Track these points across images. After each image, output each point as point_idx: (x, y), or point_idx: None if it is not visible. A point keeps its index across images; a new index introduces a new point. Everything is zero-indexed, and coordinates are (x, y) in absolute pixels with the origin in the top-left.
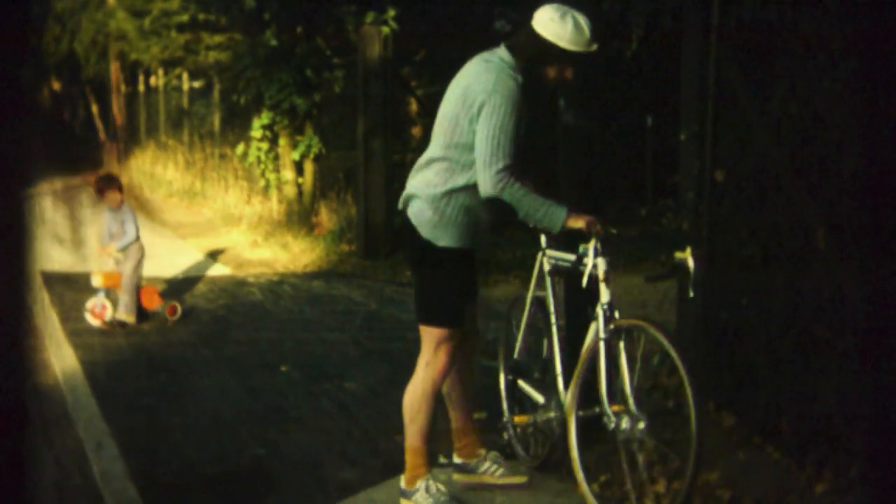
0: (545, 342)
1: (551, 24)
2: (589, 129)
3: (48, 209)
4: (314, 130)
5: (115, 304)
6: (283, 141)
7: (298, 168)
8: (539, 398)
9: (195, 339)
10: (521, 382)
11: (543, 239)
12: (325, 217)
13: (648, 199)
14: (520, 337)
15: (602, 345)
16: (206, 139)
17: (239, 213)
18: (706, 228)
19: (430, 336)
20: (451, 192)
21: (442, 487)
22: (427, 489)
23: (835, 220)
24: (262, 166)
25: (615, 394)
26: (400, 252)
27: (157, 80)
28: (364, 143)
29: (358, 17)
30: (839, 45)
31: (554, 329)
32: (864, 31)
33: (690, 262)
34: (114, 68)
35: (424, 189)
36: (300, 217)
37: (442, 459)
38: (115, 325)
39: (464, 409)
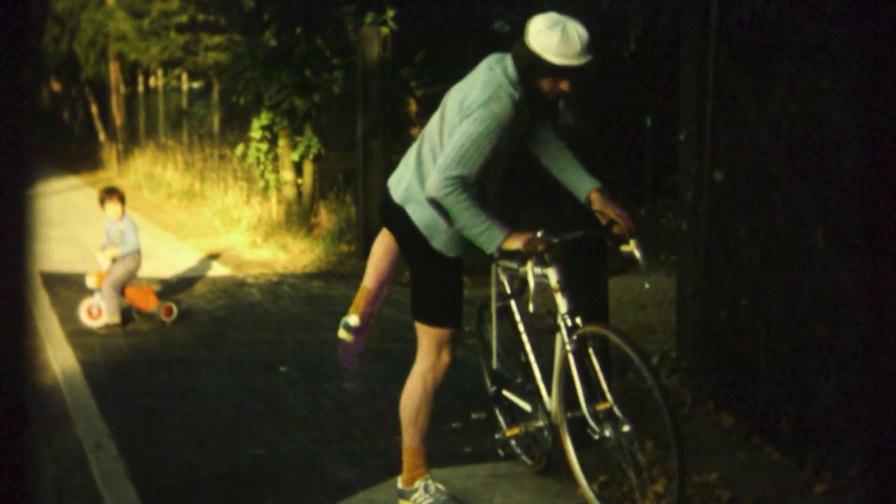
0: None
1: (539, 36)
2: (588, 129)
3: (47, 209)
4: (313, 131)
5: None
6: (282, 142)
7: (298, 169)
8: (525, 406)
9: (195, 340)
10: (505, 392)
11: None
12: (325, 218)
13: (648, 200)
14: (494, 347)
15: (570, 357)
16: (206, 140)
17: (238, 213)
18: (705, 228)
19: (430, 336)
20: None
21: (441, 487)
22: (426, 489)
23: (834, 220)
24: (262, 167)
25: (596, 396)
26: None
27: (157, 80)
28: (363, 143)
29: (357, 18)
30: (838, 44)
31: (524, 337)
32: (863, 31)
33: (637, 253)
34: (113, 69)
35: (421, 192)
36: (299, 218)
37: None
38: (104, 328)
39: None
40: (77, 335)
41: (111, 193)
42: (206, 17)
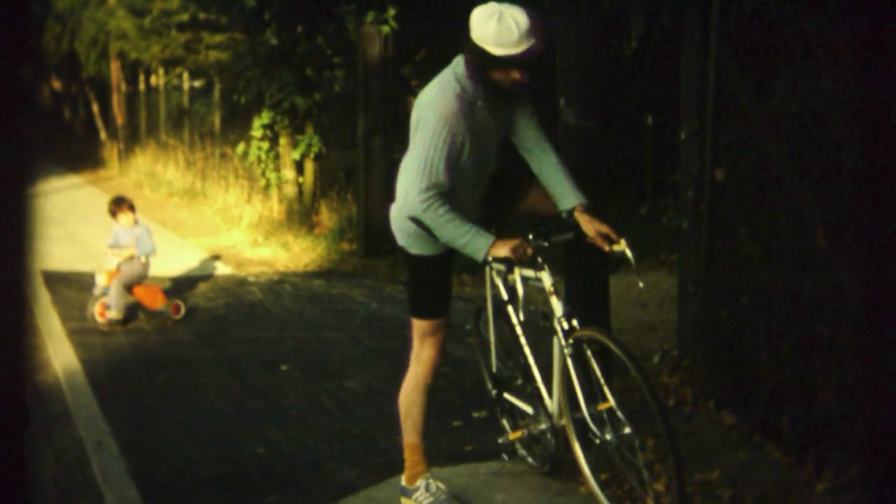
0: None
1: (477, 28)
2: (589, 128)
3: (48, 208)
4: (314, 130)
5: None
6: (283, 140)
7: (299, 167)
8: (527, 408)
9: (196, 338)
10: (506, 395)
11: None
12: (326, 216)
13: (649, 198)
14: (493, 349)
15: (568, 360)
16: (207, 138)
17: (239, 212)
18: (706, 227)
19: (415, 328)
20: None
21: (442, 486)
22: (427, 487)
23: (835, 219)
24: (263, 165)
25: (597, 397)
26: (400, 251)
27: (158, 79)
28: (364, 142)
29: (358, 17)
30: (839, 43)
31: (522, 340)
32: (864, 30)
33: (628, 253)
34: (114, 67)
35: (398, 198)
36: (300, 216)
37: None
38: (112, 324)
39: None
40: (78, 334)
41: (121, 203)
42: (207, 15)
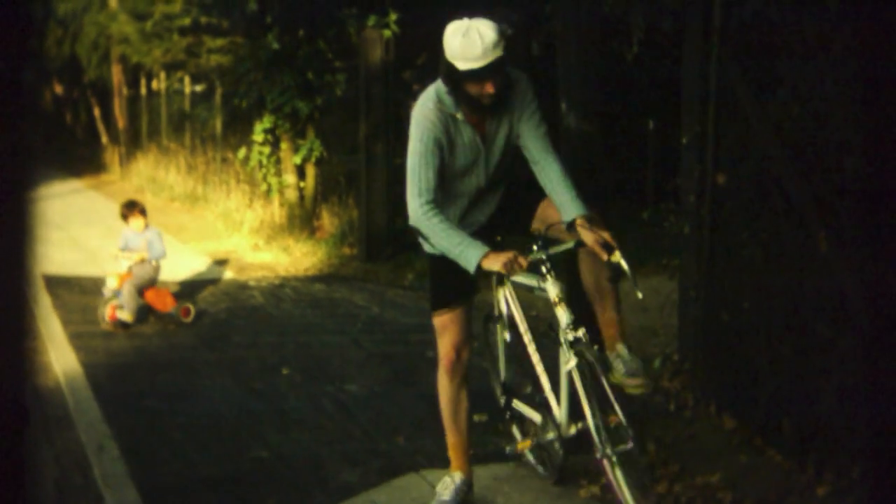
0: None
1: (446, 44)
2: (590, 132)
3: (50, 212)
4: (316, 134)
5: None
6: (284, 145)
7: (300, 172)
8: (536, 417)
9: (197, 342)
10: (515, 403)
11: None
12: (327, 221)
13: (650, 202)
14: (501, 358)
15: (575, 372)
16: (208, 143)
17: (240, 216)
18: (707, 231)
19: (434, 323)
20: None
21: (457, 487)
22: (445, 484)
23: (836, 222)
24: (264, 170)
25: (605, 408)
26: (401, 255)
27: (159, 83)
28: (366, 146)
29: (360, 21)
30: (840, 45)
31: (531, 349)
32: (865, 32)
33: (624, 264)
34: (115, 71)
35: None
36: (302, 221)
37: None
38: (118, 326)
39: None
40: (79, 337)
41: (133, 207)
42: (208, 19)
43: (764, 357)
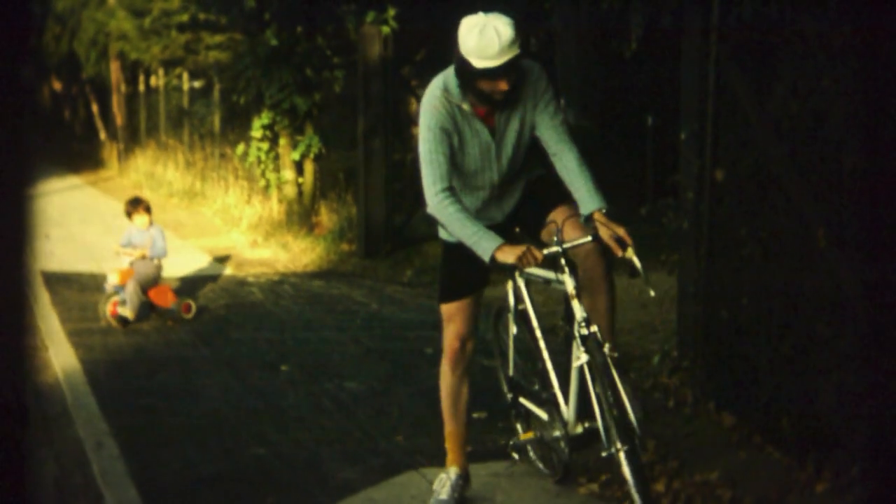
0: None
1: (462, 40)
2: (589, 128)
3: (48, 208)
4: (314, 130)
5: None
6: (283, 141)
7: (298, 168)
8: (543, 414)
9: (195, 339)
10: (522, 399)
11: None
12: (326, 217)
13: (649, 199)
14: (511, 353)
15: (585, 367)
16: (207, 139)
17: (239, 213)
18: (706, 227)
19: (441, 311)
20: None
21: (452, 484)
22: (441, 481)
23: (835, 219)
24: (263, 166)
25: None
26: (400, 251)
27: (158, 79)
28: (364, 142)
29: (358, 17)
30: (839, 43)
31: (541, 344)
32: (864, 30)
33: (636, 261)
34: (114, 68)
35: None
36: (300, 217)
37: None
38: (119, 322)
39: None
40: (78, 334)
41: (138, 204)
42: (207, 16)
43: (763, 354)
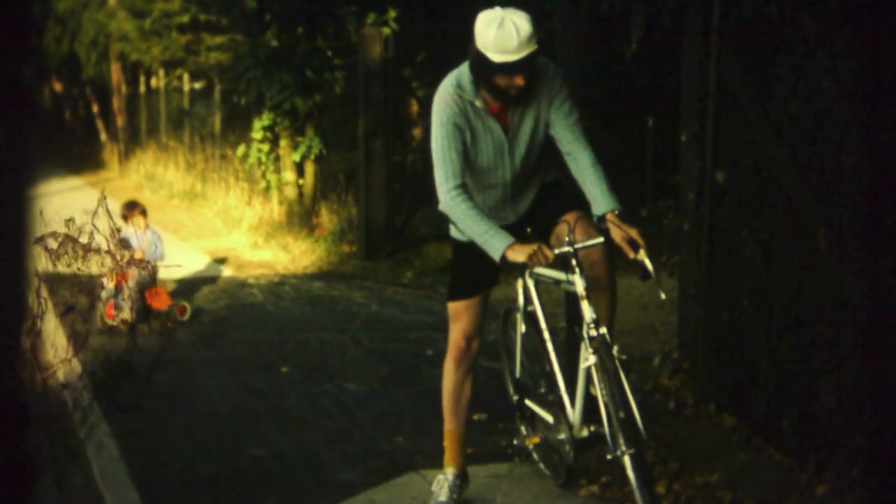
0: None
1: (479, 34)
2: (590, 129)
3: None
4: (315, 131)
5: (121, 304)
6: (283, 142)
7: (299, 169)
8: (548, 417)
9: (196, 340)
10: (528, 402)
11: None
12: (326, 218)
13: (649, 200)
14: (518, 354)
15: (593, 369)
16: (207, 140)
17: (239, 214)
18: (707, 229)
19: (448, 308)
20: None
21: (451, 485)
22: (439, 483)
23: (835, 220)
24: (263, 167)
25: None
26: (400, 253)
27: (158, 80)
28: (365, 144)
29: (359, 18)
30: (840, 44)
31: (549, 346)
32: (864, 31)
33: (648, 263)
34: (114, 69)
35: None
36: (301, 218)
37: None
38: (119, 324)
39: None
40: (78, 335)
41: (133, 207)
42: (207, 17)
43: (763, 355)
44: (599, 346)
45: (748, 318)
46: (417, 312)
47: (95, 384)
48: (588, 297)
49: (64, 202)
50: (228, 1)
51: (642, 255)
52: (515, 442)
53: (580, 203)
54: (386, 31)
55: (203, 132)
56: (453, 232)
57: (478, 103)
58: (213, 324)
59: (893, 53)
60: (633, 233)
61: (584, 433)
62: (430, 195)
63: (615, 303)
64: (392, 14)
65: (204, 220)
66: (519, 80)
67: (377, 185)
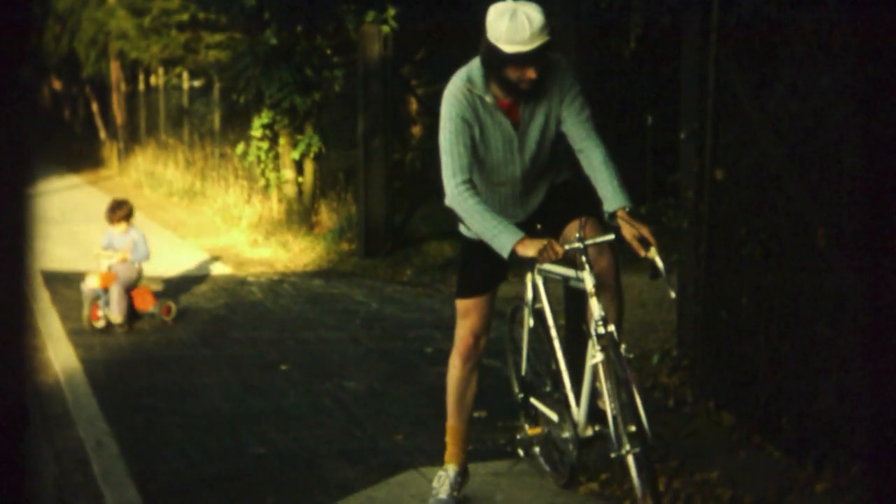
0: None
1: (491, 26)
2: None
3: (48, 208)
4: (314, 129)
5: (107, 304)
6: (283, 140)
7: (298, 167)
8: (553, 416)
9: (195, 339)
10: (532, 400)
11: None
12: (325, 216)
13: (649, 198)
14: (524, 352)
15: (600, 367)
16: (207, 138)
17: (239, 212)
18: (706, 227)
19: (457, 305)
20: None
21: (451, 482)
22: (440, 479)
23: (835, 219)
24: (262, 165)
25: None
26: (400, 251)
27: (158, 78)
28: (364, 142)
29: (358, 16)
30: (839, 43)
31: (556, 343)
32: (863, 30)
33: (658, 261)
34: (114, 67)
35: None
36: (300, 216)
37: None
38: (109, 325)
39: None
40: (78, 334)
41: (117, 209)
42: (206, 15)
43: (763, 354)
44: (607, 343)
45: (747, 317)
46: (417, 310)
47: (95, 384)
48: (597, 293)
49: (64, 200)
50: None
51: (653, 254)
52: (519, 437)
53: (591, 206)
54: (385, 29)
55: (202, 130)
56: (462, 229)
57: (488, 98)
58: (213, 322)
59: (892, 52)
60: (645, 230)
61: (589, 432)
62: (430, 193)
63: (622, 302)
64: (391, 12)
65: (203, 218)
66: (531, 73)
67: (376, 183)
